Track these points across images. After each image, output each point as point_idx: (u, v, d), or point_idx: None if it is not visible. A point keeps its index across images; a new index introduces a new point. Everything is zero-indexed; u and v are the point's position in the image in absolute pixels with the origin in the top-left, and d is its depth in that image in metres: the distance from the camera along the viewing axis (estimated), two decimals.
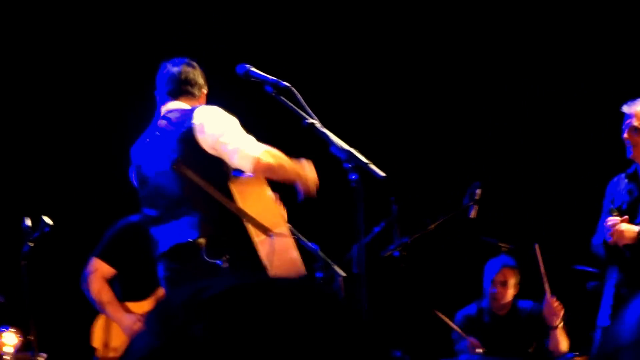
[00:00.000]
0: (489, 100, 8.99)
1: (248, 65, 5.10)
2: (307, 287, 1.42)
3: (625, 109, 6.13)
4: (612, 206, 6.13)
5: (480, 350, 6.91)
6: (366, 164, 4.70)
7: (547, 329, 6.99)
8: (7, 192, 7.97)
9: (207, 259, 4.96)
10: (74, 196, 7.92)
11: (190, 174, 4.99)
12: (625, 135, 6.09)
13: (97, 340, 6.46)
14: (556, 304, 6.93)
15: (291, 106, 4.93)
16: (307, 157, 5.67)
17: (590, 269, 6.70)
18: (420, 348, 7.37)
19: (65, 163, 8.31)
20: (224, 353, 1.30)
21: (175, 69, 5.37)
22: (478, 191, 6.75)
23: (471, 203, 6.74)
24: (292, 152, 5.94)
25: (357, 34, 8.96)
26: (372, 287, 4.76)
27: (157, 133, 5.25)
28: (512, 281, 7.18)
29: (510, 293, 7.20)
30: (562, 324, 6.96)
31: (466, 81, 9.02)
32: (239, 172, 5.11)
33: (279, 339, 1.32)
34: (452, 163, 8.60)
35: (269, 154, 5.00)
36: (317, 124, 4.91)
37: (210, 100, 5.42)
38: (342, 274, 5.95)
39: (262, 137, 5.24)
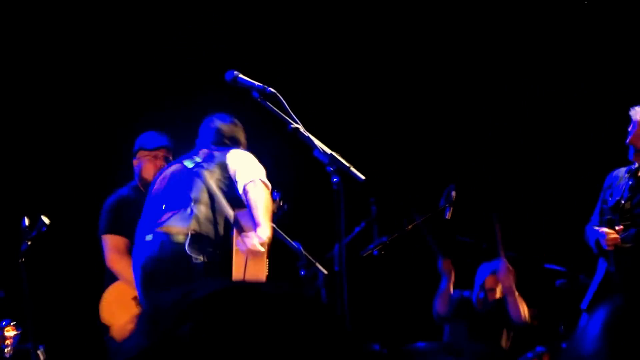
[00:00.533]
0: (464, 106, 8.99)
1: (236, 72, 5.11)
2: (289, 291, 1.43)
3: (632, 114, 6.13)
4: (609, 199, 6.15)
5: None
6: (347, 167, 4.74)
7: (505, 296, 7.12)
8: (7, 193, 7.96)
9: (187, 251, 5.07)
10: (70, 196, 7.89)
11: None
12: (630, 140, 6.11)
13: (107, 315, 6.28)
14: (510, 267, 7.06)
15: (277, 111, 4.92)
16: (292, 160, 5.74)
17: (559, 268, 6.83)
18: (398, 342, 7.33)
19: (62, 164, 8.29)
20: (210, 352, 1.31)
21: (222, 125, 5.61)
22: (453, 193, 6.78)
23: (447, 205, 6.76)
24: (278, 154, 6.00)
25: (337, 42, 8.96)
26: (353, 284, 4.77)
27: (194, 157, 5.47)
28: (499, 288, 7.23)
29: (496, 297, 7.25)
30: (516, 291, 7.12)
31: (442, 89, 9.00)
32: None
33: (261, 338, 1.33)
34: (428, 166, 8.64)
35: (266, 192, 5.19)
36: (301, 129, 4.92)
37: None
38: (324, 271, 6.01)
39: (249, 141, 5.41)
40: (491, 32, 8.87)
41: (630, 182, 6.15)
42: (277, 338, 1.34)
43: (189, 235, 5.18)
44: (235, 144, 5.60)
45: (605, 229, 5.97)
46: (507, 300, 7.03)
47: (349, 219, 4.91)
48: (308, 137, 4.90)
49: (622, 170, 6.23)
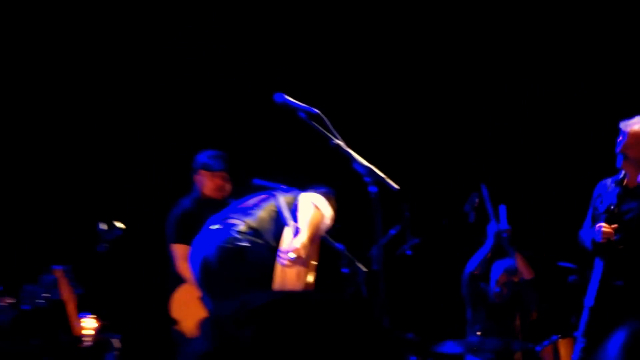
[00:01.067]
0: (482, 115, 8.92)
1: (284, 95, 5.06)
2: (334, 299, 1.43)
3: (622, 126, 6.07)
4: (599, 206, 6.12)
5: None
6: (383, 178, 4.73)
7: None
8: (83, 200, 8.00)
9: (235, 234, 5.10)
10: (141, 203, 7.92)
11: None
12: (620, 149, 6.03)
13: (176, 312, 6.37)
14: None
15: (321, 129, 4.89)
16: (333, 173, 5.67)
17: (572, 265, 6.73)
18: (430, 331, 7.39)
19: (133, 174, 8.27)
20: (267, 354, 1.32)
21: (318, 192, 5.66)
22: (476, 200, 6.77)
23: (471, 210, 6.75)
24: (321, 168, 5.97)
25: (370, 60, 8.85)
26: (389, 280, 4.76)
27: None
28: (515, 277, 7.16)
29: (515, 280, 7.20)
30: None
31: (466, 102, 8.92)
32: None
33: (310, 341, 1.34)
34: (454, 177, 8.58)
35: (315, 210, 5.23)
36: (342, 145, 4.90)
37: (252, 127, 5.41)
38: (364, 269, 5.96)
39: (296, 156, 5.28)
40: (524, 42, 8.70)
41: (617, 190, 6.09)
42: (326, 340, 1.34)
43: (242, 224, 5.23)
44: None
45: (601, 224, 5.92)
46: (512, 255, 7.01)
47: (384, 223, 4.91)
48: (348, 152, 4.86)
49: (609, 180, 6.17)
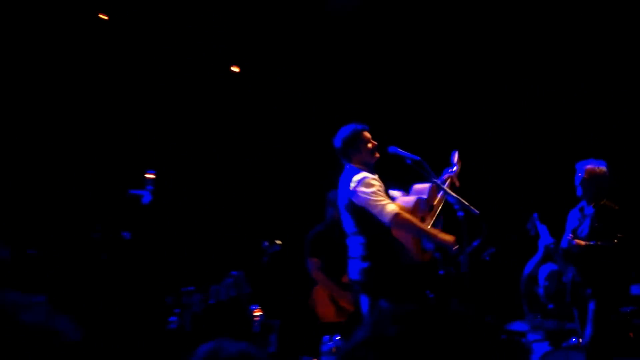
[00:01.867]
0: (539, 142, 8.98)
1: (396, 147, 5.39)
2: (455, 312, 1.45)
3: (578, 166, 6.36)
4: (568, 229, 6.48)
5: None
6: (468, 205, 5.13)
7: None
8: (254, 225, 8.34)
9: (359, 262, 5.28)
10: (292, 227, 8.07)
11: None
12: (579, 183, 6.34)
13: (314, 306, 6.91)
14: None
15: (422, 171, 5.26)
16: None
17: None
18: (503, 314, 7.49)
19: (286, 208, 8.66)
20: (408, 348, 1.36)
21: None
22: (536, 220, 6.95)
23: (532, 227, 6.96)
24: None
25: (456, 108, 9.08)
26: (473, 279, 5.13)
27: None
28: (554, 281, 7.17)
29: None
30: None
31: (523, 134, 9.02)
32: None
33: (439, 342, 1.39)
34: (519, 204, 8.57)
35: (404, 214, 5.11)
36: (439, 182, 5.32)
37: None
38: (455, 271, 6.14)
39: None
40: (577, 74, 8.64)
41: (579, 215, 6.42)
42: (449, 341, 1.38)
43: (353, 247, 5.31)
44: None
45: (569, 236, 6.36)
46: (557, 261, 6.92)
47: (469, 237, 5.14)
48: (443, 188, 5.29)
49: (577, 208, 6.49)
